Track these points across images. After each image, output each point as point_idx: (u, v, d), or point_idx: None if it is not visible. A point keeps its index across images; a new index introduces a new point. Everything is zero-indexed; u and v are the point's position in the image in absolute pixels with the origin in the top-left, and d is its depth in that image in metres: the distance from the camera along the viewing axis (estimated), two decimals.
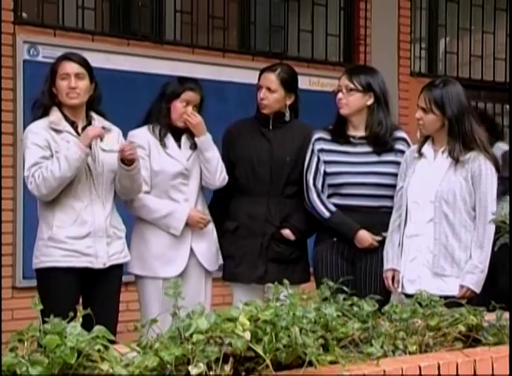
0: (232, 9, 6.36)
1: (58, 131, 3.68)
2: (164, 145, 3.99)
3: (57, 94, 3.71)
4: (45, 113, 3.72)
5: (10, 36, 5.27)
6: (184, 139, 4.04)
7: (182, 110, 3.97)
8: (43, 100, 3.73)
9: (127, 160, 3.68)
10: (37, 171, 3.58)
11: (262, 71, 4.20)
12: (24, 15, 5.43)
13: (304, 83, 6.34)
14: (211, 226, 4.09)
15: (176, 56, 5.89)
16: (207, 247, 4.05)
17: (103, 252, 3.69)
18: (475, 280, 3.61)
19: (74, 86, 3.66)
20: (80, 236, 3.65)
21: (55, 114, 3.71)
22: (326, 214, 3.95)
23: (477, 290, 3.61)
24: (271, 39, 6.55)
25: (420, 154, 3.79)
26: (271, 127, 4.12)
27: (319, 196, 3.98)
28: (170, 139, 4.02)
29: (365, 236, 3.91)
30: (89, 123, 3.76)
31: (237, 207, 4.12)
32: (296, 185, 4.08)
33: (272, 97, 4.08)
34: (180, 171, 3.98)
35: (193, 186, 4.03)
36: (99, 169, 3.72)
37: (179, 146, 4.02)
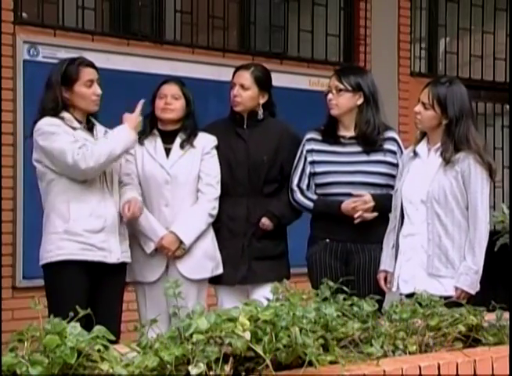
0: (232, 9, 6.36)
1: (73, 128, 3.72)
2: (151, 148, 4.01)
3: (76, 100, 3.72)
4: (56, 115, 3.72)
5: (10, 36, 5.27)
6: (178, 138, 4.03)
7: (161, 104, 3.99)
8: (56, 106, 3.71)
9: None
10: (84, 146, 3.62)
11: (236, 70, 4.20)
12: (24, 15, 5.43)
13: (304, 83, 6.38)
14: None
15: (176, 56, 5.89)
16: (188, 255, 3.99)
17: (116, 247, 3.73)
18: (469, 282, 3.59)
19: (99, 93, 3.76)
20: (95, 230, 3.68)
21: (66, 115, 3.73)
22: (310, 204, 3.99)
23: (473, 291, 3.59)
24: (271, 39, 6.55)
25: (415, 154, 3.79)
26: (245, 126, 4.11)
27: (302, 193, 4.03)
28: (158, 143, 4.02)
29: (347, 205, 3.89)
30: (92, 126, 3.82)
31: (218, 208, 4.07)
32: (274, 183, 4.10)
33: (246, 94, 4.08)
34: (163, 177, 3.97)
35: (178, 193, 3.97)
36: (109, 168, 3.76)
37: (168, 149, 4.01)
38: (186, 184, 3.99)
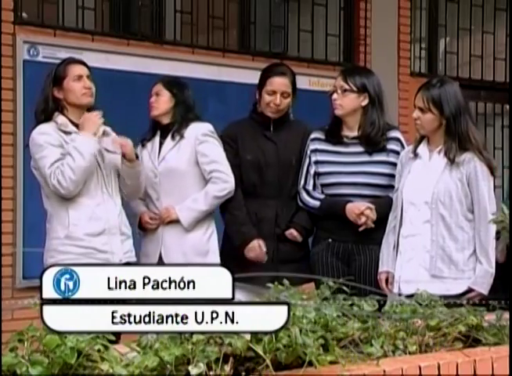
0: (232, 9, 6.36)
1: (67, 133, 3.74)
2: (150, 144, 4.09)
3: (67, 96, 3.77)
4: (49, 118, 3.76)
5: (10, 36, 5.27)
6: (171, 130, 4.06)
7: (153, 101, 4.09)
8: (47, 106, 3.77)
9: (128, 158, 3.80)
10: (58, 168, 3.65)
11: (269, 74, 4.13)
12: (24, 15, 5.43)
13: (304, 83, 6.35)
14: (190, 228, 4.02)
15: (176, 56, 5.89)
16: (175, 248, 4.00)
17: (118, 249, 3.75)
18: (486, 285, 3.61)
19: (89, 86, 3.79)
20: (96, 233, 3.71)
21: (61, 118, 3.77)
22: (317, 204, 3.99)
23: (486, 292, 3.60)
24: (271, 39, 6.55)
25: (415, 155, 3.79)
26: (272, 128, 4.11)
27: (308, 194, 4.03)
28: (156, 138, 4.09)
29: (350, 209, 3.90)
30: None
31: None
32: None
33: (286, 101, 4.10)
34: (153, 172, 4.03)
35: (166, 187, 4.01)
36: (108, 168, 3.81)
37: (162, 143, 4.06)
38: (174, 178, 4.01)
